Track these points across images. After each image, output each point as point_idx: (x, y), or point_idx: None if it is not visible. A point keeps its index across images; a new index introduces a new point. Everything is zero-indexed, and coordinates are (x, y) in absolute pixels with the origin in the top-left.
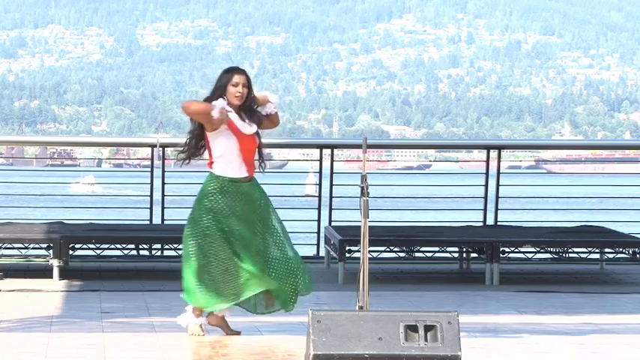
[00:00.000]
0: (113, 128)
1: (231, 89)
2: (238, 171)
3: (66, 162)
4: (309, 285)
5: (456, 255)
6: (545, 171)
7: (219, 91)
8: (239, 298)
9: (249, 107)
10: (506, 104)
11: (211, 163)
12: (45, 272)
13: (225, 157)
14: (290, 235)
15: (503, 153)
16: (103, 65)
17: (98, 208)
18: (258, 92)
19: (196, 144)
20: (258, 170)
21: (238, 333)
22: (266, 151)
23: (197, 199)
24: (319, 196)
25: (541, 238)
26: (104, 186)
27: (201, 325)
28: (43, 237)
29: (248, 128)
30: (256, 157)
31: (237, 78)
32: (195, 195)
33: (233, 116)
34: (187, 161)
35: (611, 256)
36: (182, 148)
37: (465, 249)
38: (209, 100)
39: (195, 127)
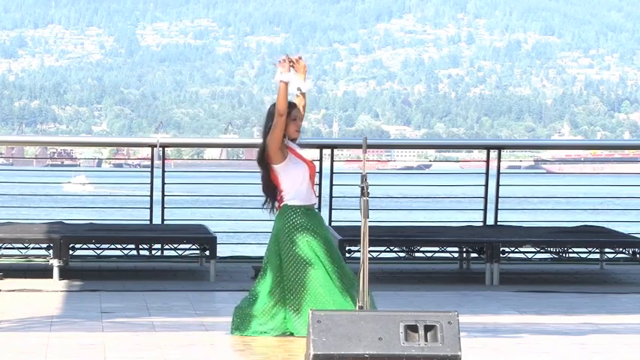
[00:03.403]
0: (113, 128)
1: (291, 124)
2: (309, 198)
3: (66, 162)
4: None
5: (456, 255)
6: (545, 171)
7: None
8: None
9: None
10: (506, 104)
11: (281, 196)
12: (45, 272)
13: (300, 186)
14: None
15: (503, 153)
16: (103, 65)
17: (98, 208)
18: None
19: (271, 188)
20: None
21: None
22: None
23: (282, 237)
24: (319, 196)
25: (541, 238)
26: (104, 186)
27: None
28: (43, 237)
29: (308, 154)
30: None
31: (295, 112)
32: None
33: (293, 145)
34: (275, 209)
35: (611, 256)
36: (265, 200)
37: (465, 249)
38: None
39: (263, 170)
